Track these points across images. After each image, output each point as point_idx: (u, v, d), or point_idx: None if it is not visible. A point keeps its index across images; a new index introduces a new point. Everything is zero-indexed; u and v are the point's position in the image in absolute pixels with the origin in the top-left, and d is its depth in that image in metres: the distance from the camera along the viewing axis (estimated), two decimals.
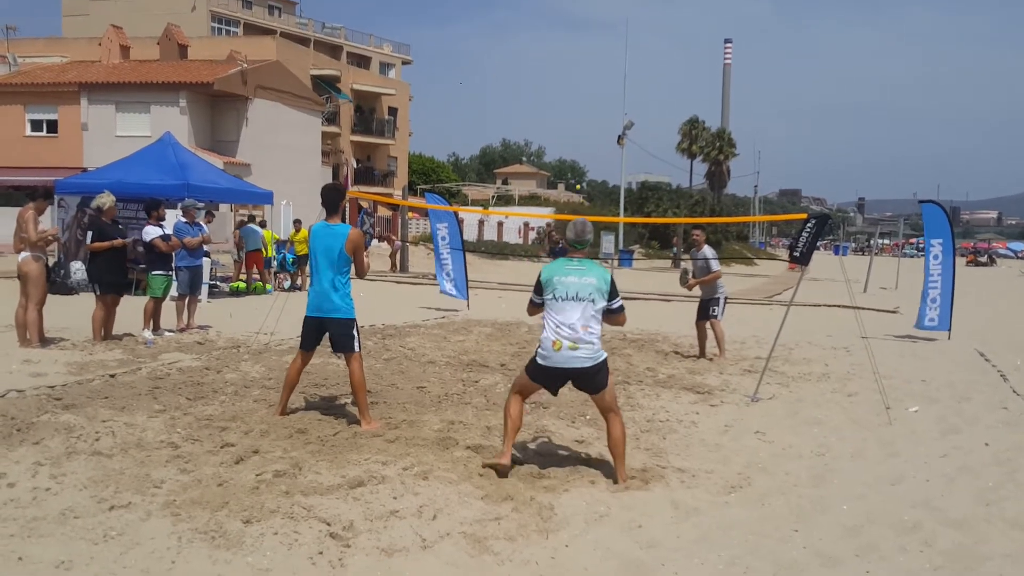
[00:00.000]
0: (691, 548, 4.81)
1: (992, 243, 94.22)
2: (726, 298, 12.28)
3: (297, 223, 21.89)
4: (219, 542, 4.52)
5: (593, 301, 5.84)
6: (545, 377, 6.01)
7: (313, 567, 4.32)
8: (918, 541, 5.02)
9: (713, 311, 11.96)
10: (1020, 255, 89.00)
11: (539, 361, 5.95)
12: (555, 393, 6.30)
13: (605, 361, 5.94)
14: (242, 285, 20.14)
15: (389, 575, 4.28)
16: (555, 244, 13.72)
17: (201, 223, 13.28)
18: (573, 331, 5.79)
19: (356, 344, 7.11)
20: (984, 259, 66.66)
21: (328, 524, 4.80)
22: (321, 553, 4.46)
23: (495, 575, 4.35)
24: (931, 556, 4.80)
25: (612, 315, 5.99)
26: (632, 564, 4.54)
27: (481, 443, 6.66)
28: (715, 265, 11.92)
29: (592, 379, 5.92)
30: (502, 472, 5.86)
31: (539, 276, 6.07)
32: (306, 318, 7.18)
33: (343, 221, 7.20)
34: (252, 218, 22.20)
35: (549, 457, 6.47)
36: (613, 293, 5.94)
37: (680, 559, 4.64)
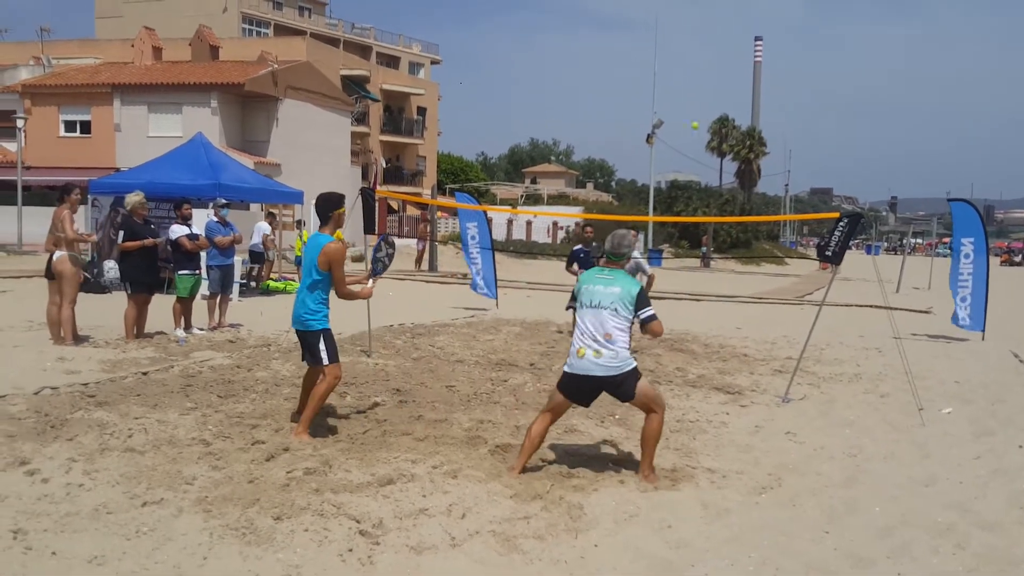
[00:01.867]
0: (721, 549, 4.78)
1: None
2: None
3: (299, 224, 22.23)
4: (250, 538, 4.56)
5: (616, 310, 5.80)
6: (572, 386, 5.96)
7: (343, 564, 4.34)
8: (951, 543, 4.97)
9: None
10: None
11: (565, 369, 6.01)
12: (587, 404, 6.26)
13: (633, 370, 5.87)
14: (274, 284, 20.31)
15: (419, 573, 4.29)
16: (588, 243, 13.59)
17: (231, 223, 13.38)
18: (595, 339, 5.79)
19: (324, 357, 6.67)
20: (1019, 259, 65.71)
21: (358, 522, 4.82)
22: (351, 550, 4.48)
23: (524, 574, 4.35)
24: (964, 558, 4.75)
25: (644, 325, 5.95)
26: (662, 564, 4.52)
27: (510, 442, 6.65)
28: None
29: (619, 388, 5.90)
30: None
31: (577, 282, 6.26)
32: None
33: (335, 228, 6.83)
34: (272, 216, 22.33)
35: (578, 456, 6.46)
36: (641, 303, 5.86)
37: (710, 560, 4.61)
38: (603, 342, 5.78)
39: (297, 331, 6.83)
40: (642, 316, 5.90)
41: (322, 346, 6.69)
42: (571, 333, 13.36)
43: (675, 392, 9.18)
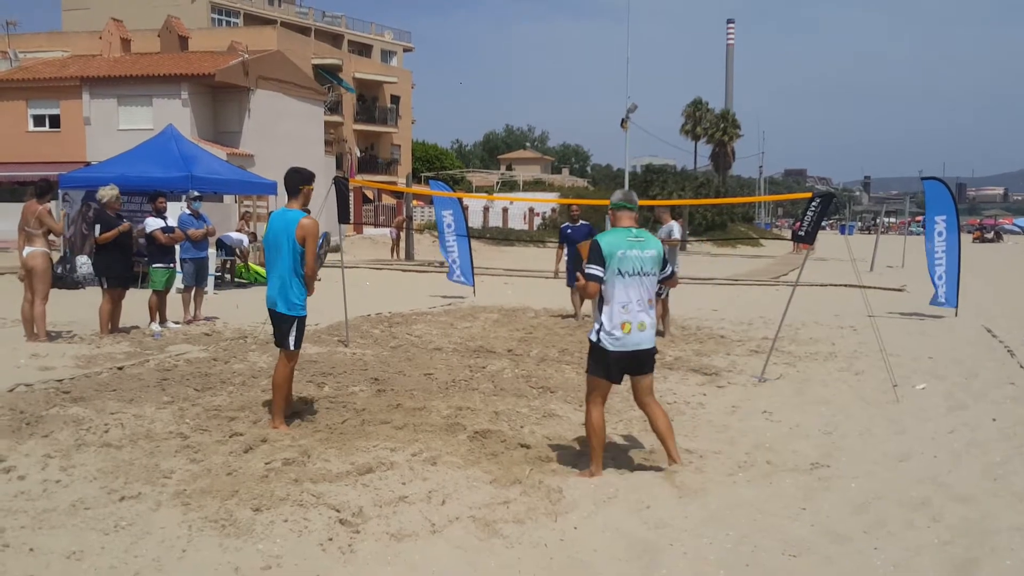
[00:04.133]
0: (699, 528, 4.81)
1: (999, 219, 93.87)
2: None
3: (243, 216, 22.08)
4: (229, 530, 4.55)
5: (655, 274, 5.62)
6: (616, 365, 5.57)
7: (323, 553, 4.34)
8: (926, 517, 5.03)
9: (660, 289, 11.95)
10: None
11: (609, 348, 5.51)
12: (619, 382, 5.77)
13: None
14: (252, 272, 20.26)
15: (399, 560, 4.30)
16: (574, 220, 13.82)
17: (205, 215, 13.29)
18: (641, 309, 5.53)
19: (292, 342, 6.63)
20: (990, 235, 66.39)
21: (337, 511, 4.83)
22: (331, 539, 4.48)
23: (505, 558, 4.36)
24: (939, 531, 4.81)
25: (667, 280, 5.86)
26: (641, 544, 4.55)
27: (489, 428, 6.67)
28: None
29: (650, 360, 5.71)
30: None
31: (598, 247, 5.50)
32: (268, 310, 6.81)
33: (304, 204, 6.70)
34: (246, 222, 22.21)
35: (556, 441, 6.48)
36: (666, 260, 5.78)
37: (688, 539, 4.64)
38: (647, 310, 5.57)
39: (272, 311, 6.69)
40: (668, 271, 5.80)
41: (294, 333, 6.67)
42: (565, 315, 13.54)
43: (667, 381, 9.22)
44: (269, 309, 6.75)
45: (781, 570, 4.30)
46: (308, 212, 6.72)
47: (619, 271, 5.47)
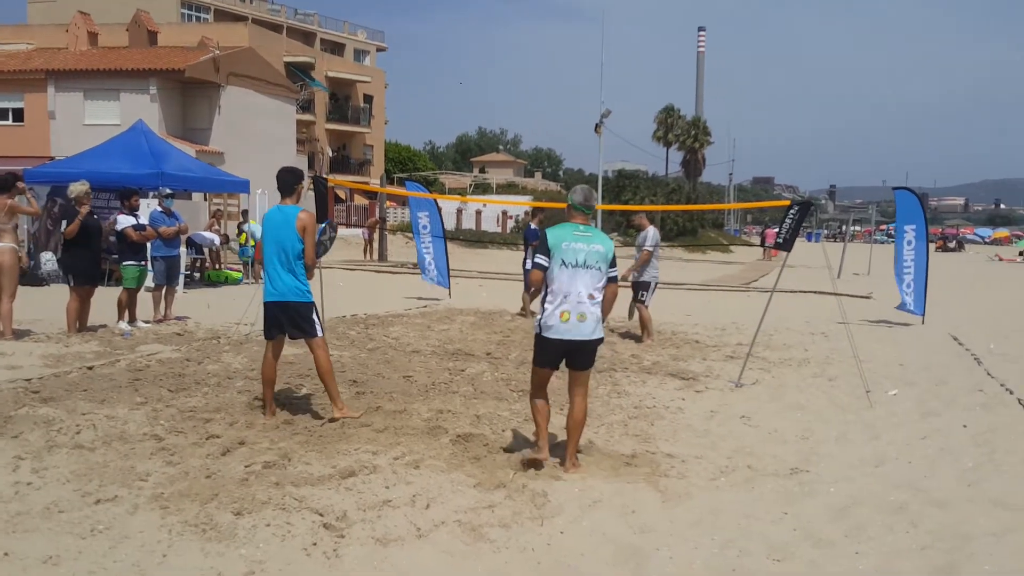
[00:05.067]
0: (685, 532, 4.82)
1: (960, 229, 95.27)
2: (656, 283, 12.29)
3: (243, 214, 21.83)
4: (211, 535, 4.47)
5: (600, 269, 5.73)
6: (550, 353, 5.78)
7: (308, 558, 4.28)
8: (904, 522, 5.07)
9: (641, 295, 12.02)
10: (988, 240, 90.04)
11: (543, 335, 5.74)
12: (557, 367, 5.93)
13: (601, 339, 5.87)
14: (222, 274, 20.10)
15: (386, 564, 4.25)
16: (541, 223, 13.90)
17: (176, 213, 13.13)
18: (580, 300, 5.66)
19: (318, 328, 6.87)
20: (953, 245, 67.35)
21: (321, 515, 4.76)
22: (315, 544, 4.42)
23: (492, 563, 4.33)
24: (918, 536, 4.85)
25: (608, 284, 5.86)
26: (628, 549, 4.54)
27: (471, 431, 6.63)
28: (648, 246, 12.01)
29: (590, 354, 5.82)
30: (539, 467, 5.74)
31: (545, 238, 5.78)
32: (264, 305, 6.86)
33: (297, 201, 6.91)
34: (216, 222, 22.03)
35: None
36: (614, 263, 5.85)
37: (675, 543, 4.65)
38: (587, 303, 5.69)
39: (285, 304, 6.77)
40: (612, 273, 5.84)
41: (315, 317, 6.87)
42: (527, 313, 13.55)
43: (631, 379, 9.24)
44: (281, 303, 6.78)
45: (766, 574, 4.32)
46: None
47: (563, 261, 5.68)
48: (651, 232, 12.16)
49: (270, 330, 6.94)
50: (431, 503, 5.06)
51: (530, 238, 14.31)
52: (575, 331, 5.69)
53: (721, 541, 4.70)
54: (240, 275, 20.59)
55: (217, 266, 20.94)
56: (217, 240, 20.17)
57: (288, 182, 6.88)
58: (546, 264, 5.74)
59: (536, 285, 5.86)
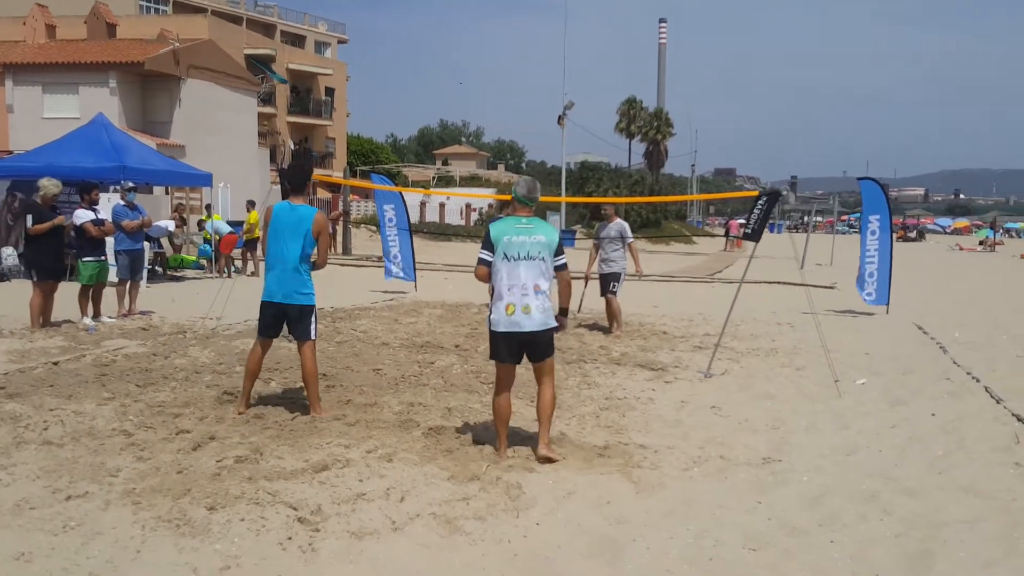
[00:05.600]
0: (660, 523, 4.84)
1: (921, 219, 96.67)
2: (625, 274, 12.34)
3: (250, 204, 21.41)
4: (184, 530, 4.42)
5: (543, 259, 5.77)
6: (501, 347, 5.85)
7: (283, 552, 4.25)
8: (877, 510, 5.12)
9: (613, 287, 12.04)
10: (948, 230, 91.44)
11: (492, 329, 5.84)
12: (518, 362, 5.99)
13: (555, 328, 5.90)
14: (177, 258, 19.89)
15: (362, 558, 4.22)
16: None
17: (140, 206, 12.95)
18: (524, 292, 5.71)
19: (312, 331, 6.84)
20: (914, 235, 68.31)
21: (295, 509, 4.73)
22: (290, 538, 4.39)
23: (469, 555, 4.32)
24: (891, 524, 4.90)
25: (556, 272, 5.87)
26: (604, 540, 4.55)
27: (442, 424, 6.62)
28: (631, 238, 12.09)
29: (543, 345, 5.86)
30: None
31: (488, 233, 5.87)
32: (264, 303, 6.78)
33: (306, 202, 6.87)
34: (180, 216, 21.82)
35: (512, 437, 6.42)
36: (560, 251, 5.86)
37: (650, 534, 4.66)
38: (532, 295, 5.73)
39: (286, 305, 6.70)
40: (558, 263, 5.85)
41: (313, 320, 6.82)
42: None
43: (601, 370, 9.26)
44: (284, 305, 6.70)
45: (743, 564, 4.34)
46: (256, 216, 6.83)
47: (505, 255, 5.75)
48: (623, 224, 12.17)
49: (267, 329, 6.86)
50: (405, 496, 5.04)
51: None
52: (521, 323, 5.74)
53: (696, 531, 4.72)
54: (194, 259, 20.39)
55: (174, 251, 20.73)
56: (172, 225, 19.92)
57: (300, 179, 6.83)
58: (490, 259, 5.82)
59: (482, 280, 5.96)
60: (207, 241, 21.12)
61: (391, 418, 6.77)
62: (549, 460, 5.83)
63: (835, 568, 4.29)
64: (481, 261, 5.87)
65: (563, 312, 6.02)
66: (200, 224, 22.11)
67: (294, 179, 6.82)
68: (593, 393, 8.10)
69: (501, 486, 5.27)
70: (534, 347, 5.87)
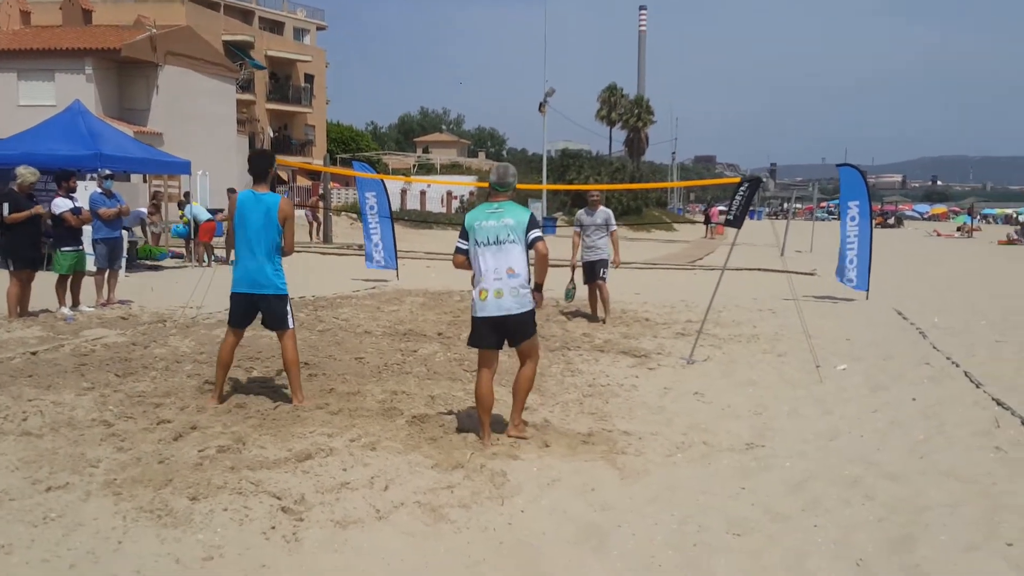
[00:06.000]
0: (644, 509, 4.85)
1: (899, 205, 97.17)
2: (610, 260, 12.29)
3: (231, 192, 21.17)
4: (166, 520, 4.39)
5: (514, 242, 5.78)
6: (478, 332, 5.90)
7: (267, 542, 4.22)
8: (860, 495, 5.16)
9: (603, 273, 12.00)
10: (926, 217, 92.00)
11: (473, 315, 5.91)
12: (499, 347, 6.04)
13: (533, 311, 5.91)
14: (146, 248, 19.70)
15: (347, 547, 4.21)
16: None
17: (117, 194, 12.82)
18: (497, 277, 5.75)
19: (290, 320, 6.79)
20: (892, 221, 68.69)
21: (279, 498, 4.70)
22: (274, 528, 4.36)
23: (454, 543, 4.32)
24: (874, 508, 4.94)
25: (532, 246, 5.83)
26: (589, 527, 4.56)
27: (426, 412, 6.60)
28: (614, 226, 12.01)
29: (520, 328, 5.88)
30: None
31: (462, 222, 6.01)
32: (234, 295, 6.71)
33: (271, 189, 6.78)
34: (187, 195, 21.67)
35: (494, 425, 6.41)
36: (532, 226, 5.82)
37: (635, 520, 4.67)
38: (506, 278, 5.75)
39: (258, 296, 6.63)
40: (531, 237, 5.81)
41: (289, 308, 6.78)
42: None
43: (584, 357, 9.27)
44: (254, 295, 6.63)
45: (727, 549, 4.35)
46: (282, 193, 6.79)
47: (476, 241, 5.85)
48: (608, 212, 12.10)
49: (238, 319, 6.79)
50: (390, 484, 5.02)
51: None
52: (494, 308, 5.79)
53: (680, 517, 4.74)
54: (163, 250, 20.22)
55: (146, 241, 20.55)
56: (145, 211, 19.74)
57: (261, 167, 6.72)
58: (465, 247, 5.94)
59: (460, 267, 6.06)
60: (185, 224, 20.96)
61: (374, 406, 6.74)
62: (519, 439, 5.90)
63: (818, 552, 4.31)
64: (457, 250, 5.99)
65: (538, 288, 5.98)
66: (180, 204, 21.92)
67: (255, 167, 6.73)
68: (576, 380, 8.10)
69: (485, 474, 5.27)
70: (510, 331, 5.90)
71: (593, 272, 11.95)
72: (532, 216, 5.90)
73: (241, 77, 47.59)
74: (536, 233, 5.85)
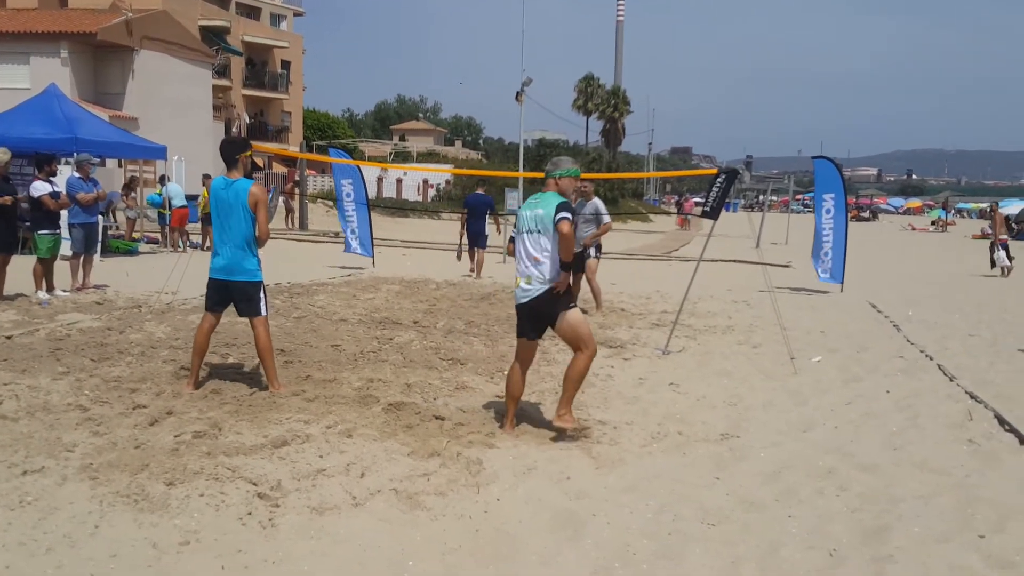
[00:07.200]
0: (619, 498, 4.89)
1: (874, 199, 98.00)
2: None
3: (206, 178, 21.03)
4: (143, 505, 4.38)
5: (539, 232, 5.82)
6: (520, 319, 6.06)
7: (243, 528, 4.22)
8: (834, 486, 5.21)
9: (597, 255, 11.96)
10: (900, 210, 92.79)
11: (516, 301, 6.06)
12: (539, 335, 6.09)
13: (554, 296, 5.83)
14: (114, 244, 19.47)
15: (323, 533, 4.22)
16: (487, 191, 13.93)
17: (95, 179, 12.71)
18: (526, 265, 5.85)
19: (263, 307, 6.76)
20: (867, 214, 69.27)
21: (255, 484, 4.70)
22: (250, 514, 4.36)
23: (430, 530, 4.33)
24: (848, 499, 4.99)
25: (556, 227, 5.73)
26: (565, 515, 4.59)
27: (403, 400, 6.61)
28: (606, 218, 11.98)
29: (546, 313, 5.90)
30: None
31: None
32: (210, 280, 6.74)
33: (243, 173, 6.77)
34: (164, 177, 21.49)
35: (472, 413, 6.45)
36: (559, 210, 5.72)
37: (610, 509, 4.71)
38: (532, 266, 5.83)
39: (232, 282, 6.64)
40: (557, 218, 5.71)
41: (262, 296, 6.76)
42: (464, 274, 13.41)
43: (560, 347, 9.24)
44: (227, 281, 6.64)
45: (702, 538, 4.39)
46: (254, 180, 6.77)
47: (518, 230, 6.03)
48: (599, 202, 11.99)
49: (212, 303, 6.79)
50: (366, 472, 5.03)
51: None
52: (522, 294, 5.91)
53: (656, 506, 4.78)
54: (134, 245, 20.04)
55: (136, 234, 20.38)
56: (117, 196, 19.56)
57: (231, 154, 6.69)
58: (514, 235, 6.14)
59: (511, 255, 6.16)
60: (159, 195, 20.84)
61: (350, 394, 6.74)
62: (560, 428, 5.89)
63: (792, 542, 4.36)
64: (510, 239, 6.11)
65: (563, 267, 5.90)
66: (162, 179, 21.75)
67: (226, 154, 6.72)
68: (552, 370, 8.13)
69: (461, 462, 5.29)
70: (541, 314, 5.94)
71: (580, 262, 11.87)
72: (561, 203, 5.81)
73: (217, 62, 47.14)
74: (561, 215, 5.77)
